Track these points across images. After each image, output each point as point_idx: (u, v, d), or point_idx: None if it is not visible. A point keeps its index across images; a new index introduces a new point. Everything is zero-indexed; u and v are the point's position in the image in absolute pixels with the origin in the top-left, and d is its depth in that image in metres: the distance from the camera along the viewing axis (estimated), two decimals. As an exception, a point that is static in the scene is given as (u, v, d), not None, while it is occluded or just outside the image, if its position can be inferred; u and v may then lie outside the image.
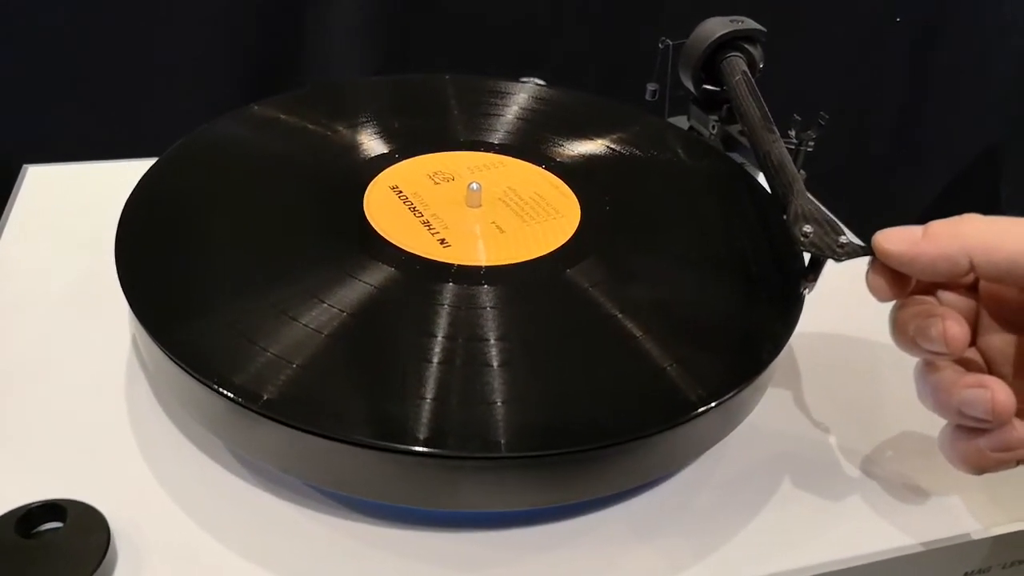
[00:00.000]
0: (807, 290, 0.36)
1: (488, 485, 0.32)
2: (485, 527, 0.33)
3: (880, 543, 0.34)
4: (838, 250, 0.35)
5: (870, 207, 0.99)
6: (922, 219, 0.32)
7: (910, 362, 0.33)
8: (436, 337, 0.34)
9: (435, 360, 0.33)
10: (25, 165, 0.53)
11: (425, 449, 0.29)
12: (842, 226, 0.36)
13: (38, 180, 0.52)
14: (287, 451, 0.31)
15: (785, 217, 0.37)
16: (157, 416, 0.37)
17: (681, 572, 0.32)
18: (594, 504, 0.34)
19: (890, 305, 0.34)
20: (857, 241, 0.35)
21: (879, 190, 1.00)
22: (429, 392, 0.31)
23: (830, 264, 0.35)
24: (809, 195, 0.39)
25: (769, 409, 0.38)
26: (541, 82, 0.55)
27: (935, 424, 0.32)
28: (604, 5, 0.83)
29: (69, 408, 0.37)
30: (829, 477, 0.37)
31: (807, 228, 0.36)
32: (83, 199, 0.50)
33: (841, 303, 0.42)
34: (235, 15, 0.72)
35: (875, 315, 0.34)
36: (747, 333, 0.36)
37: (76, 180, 0.52)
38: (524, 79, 0.55)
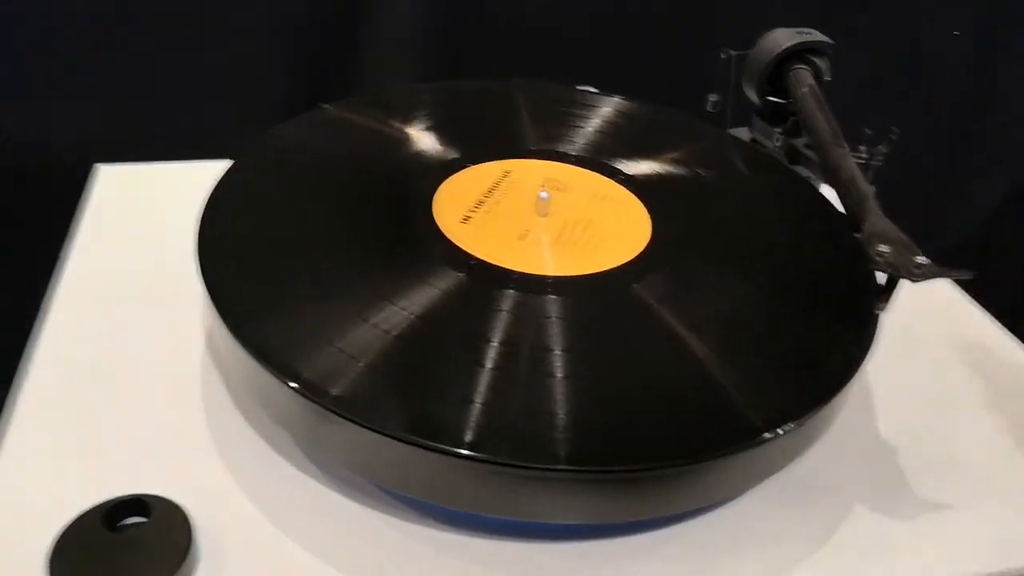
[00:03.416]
0: (881, 310, 0.36)
1: (547, 496, 0.32)
2: (553, 538, 0.33)
3: (958, 569, 0.34)
4: (915, 271, 0.34)
5: (924, 223, 0.98)
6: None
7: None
8: (495, 343, 0.34)
9: (496, 367, 0.33)
10: (96, 164, 0.54)
11: (486, 456, 0.30)
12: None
13: (109, 179, 0.53)
14: (358, 451, 0.32)
15: (858, 235, 0.37)
16: (232, 415, 0.37)
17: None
18: (654, 522, 0.34)
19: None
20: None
21: (934, 206, 0.99)
22: (487, 398, 0.32)
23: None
24: (882, 213, 0.39)
25: (839, 430, 0.38)
26: (594, 90, 0.55)
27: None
28: (654, 14, 0.82)
29: (146, 405, 0.37)
30: (899, 502, 0.36)
31: (883, 248, 0.35)
32: (153, 198, 0.51)
33: (908, 323, 0.42)
34: (292, 26, 0.73)
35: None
36: (819, 354, 0.36)
37: (146, 180, 0.53)
38: (579, 87, 0.55)
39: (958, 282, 0.49)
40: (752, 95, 0.54)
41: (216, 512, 0.33)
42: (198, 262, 0.36)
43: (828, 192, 0.47)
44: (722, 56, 0.55)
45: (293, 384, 0.31)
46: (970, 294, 0.48)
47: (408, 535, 0.33)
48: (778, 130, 0.53)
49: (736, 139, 0.53)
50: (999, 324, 0.46)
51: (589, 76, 0.58)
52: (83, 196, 0.51)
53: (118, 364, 0.39)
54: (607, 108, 0.52)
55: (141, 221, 0.49)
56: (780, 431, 0.31)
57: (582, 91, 0.53)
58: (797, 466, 0.36)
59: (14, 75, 0.67)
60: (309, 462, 0.35)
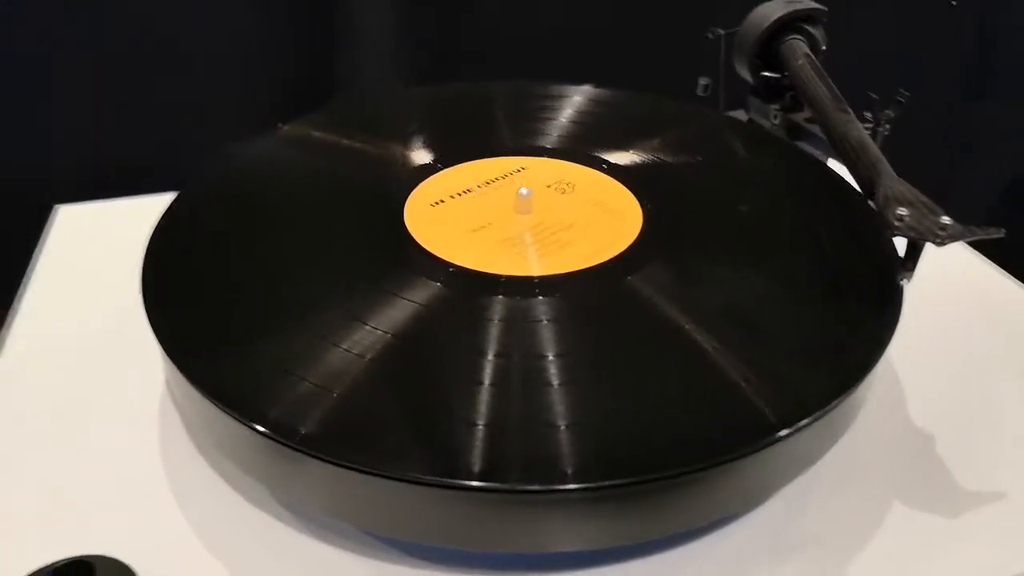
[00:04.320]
0: (905, 280, 0.32)
1: (555, 521, 0.28)
2: (564, 567, 0.30)
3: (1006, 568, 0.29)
4: (940, 233, 0.31)
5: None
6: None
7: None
8: (487, 356, 0.30)
9: (489, 382, 0.29)
10: (56, 205, 0.51)
11: (484, 483, 0.26)
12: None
13: (69, 219, 0.50)
14: (330, 491, 0.28)
15: (873, 201, 0.33)
16: (195, 462, 0.34)
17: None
18: (676, 539, 0.30)
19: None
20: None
21: (932, 183, 0.95)
22: (482, 418, 0.28)
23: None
24: (896, 175, 0.35)
25: (866, 419, 0.34)
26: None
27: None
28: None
29: (100, 456, 0.34)
30: (939, 497, 0.32)
31: (901, 211, 0.32)
32: (115, 236, 0.48)
33: (933, 294, 0.37)
34: (263, 35, 0.71)
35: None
36: (839, 337, 0.32)
37: (108, 217, 0.50)
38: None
39: (973, 244, 0.45)
40: (745, 73, 0.50)
41: (173, 569, 0.29)
42: (143, 301, 0.33)
43: (836, 167, 0.44)
44: (709, 36, 0.52)
45: (257, 426, 0.28)
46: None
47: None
48: (775, 107, 0.49)
49: (731, 119, 0.50)
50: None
51: (573, 70, 0.55)
52: (42, 237, 0.48)
53: (69, 414, 0.36)
54: (585, 99, 0.49)
55: (102, 261, 0.46)
56: (799, 426, 0.28)
57: (558, 86, 0.50)
58: (823, 462, 0.32)
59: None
60: (278, 505, 0.32)
